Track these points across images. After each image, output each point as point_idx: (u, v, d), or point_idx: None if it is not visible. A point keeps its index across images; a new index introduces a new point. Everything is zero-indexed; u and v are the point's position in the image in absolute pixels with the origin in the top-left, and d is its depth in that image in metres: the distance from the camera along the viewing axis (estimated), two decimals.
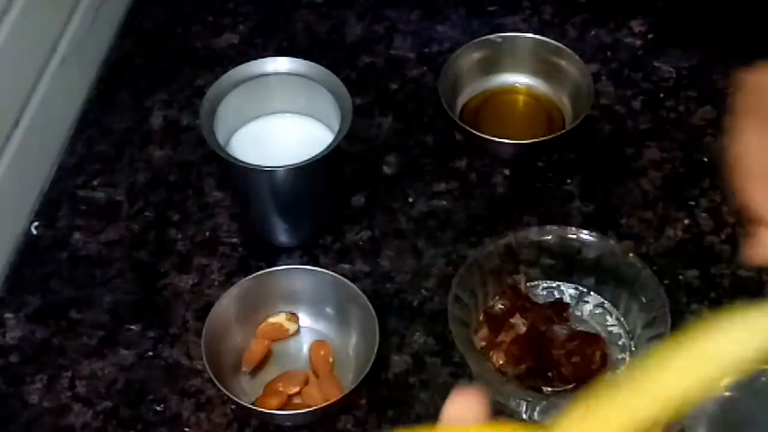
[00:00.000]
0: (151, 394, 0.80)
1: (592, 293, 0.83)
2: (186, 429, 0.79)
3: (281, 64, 0.85)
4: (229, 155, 0.81)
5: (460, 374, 0.80)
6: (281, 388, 0.79)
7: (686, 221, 0.88)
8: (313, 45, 1.03)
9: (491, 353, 0.79)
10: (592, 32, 1.03)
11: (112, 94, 1.00)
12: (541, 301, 0.83)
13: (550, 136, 0.92)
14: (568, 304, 0.82)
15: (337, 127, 0.82)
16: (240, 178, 0.84)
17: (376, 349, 0.76)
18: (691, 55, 1.00)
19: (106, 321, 0.85)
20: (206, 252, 0.88)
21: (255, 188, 0.84)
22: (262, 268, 0.83)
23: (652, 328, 0.77)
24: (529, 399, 0.76)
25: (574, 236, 0.81)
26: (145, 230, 0.90)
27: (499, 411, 0.78)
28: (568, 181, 0.92)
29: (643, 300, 0.78)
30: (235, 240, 0.89)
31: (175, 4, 1.07)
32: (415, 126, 0.96)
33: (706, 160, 0.92)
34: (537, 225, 0.85)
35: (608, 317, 0.82)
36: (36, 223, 0.91)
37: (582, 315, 0.83)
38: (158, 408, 0.80)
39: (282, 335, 0.83)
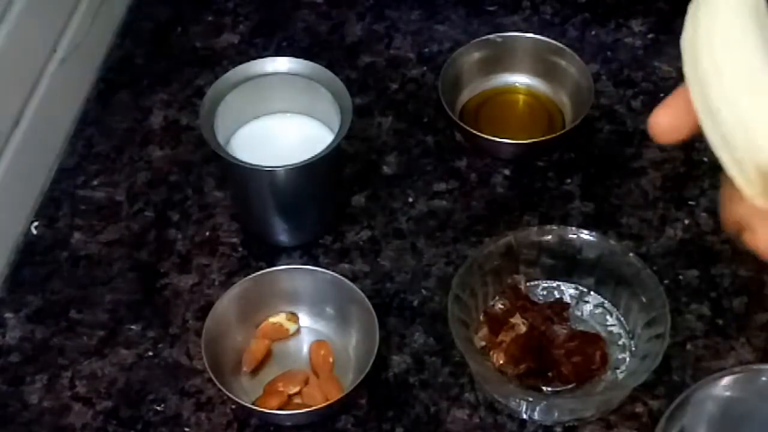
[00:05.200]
0: (151, 394, 0.80)
1: (592, 293, 0.83)
2: (186, 429, 0.79)
3: (281, 63, 0.85)
4: (229, 155, 0.81)
5: (460, 374, 0.80)
6: (281, 388, 0.79)
7: (686, 221, 0.89)
8: (313, 45, 1.03)
9: (491, 353, 0.79)
10: (593, 32, 1.03)
11: (112, 93, 1.00)
12: (541, 300, 0.83)
13: (550, 136, 0.92)
14: (568, 303, 0.82)
15: (337, 127, 0.82)
16: (240, 178, 0.84)
17: (376, 349, 0.76)
18: None
19: (106, 321, 0.85)
20: (206, 252, 0.88)
21: (255, 188, 0.84)
22: (262, 268, 0.84)
23: (652, 328, 0.77)
24: (530, 399, 0.76)
25: (575, 236, 0.81)
26: (145, 230, 0.90)
27: (499, 410, 0.78)
28: (568, 181, 0.92)
29: (643, 300, 0.78)
30: (235, 240, 0.89)
31: (175, 3, 1.07)
32: (415, 126, 0.96)
33: (706, 160, 0.92)
34: (537, 225, 0.86)
35: (608, 317, 0.82)
36: (36, 223, 0.91)
37: (582, 315, 0.83)
38: (158, 408, 0.80)
39: (282, 335, 0.83)
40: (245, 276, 0.82)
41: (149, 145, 0.96)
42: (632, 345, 0.80)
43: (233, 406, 0.79)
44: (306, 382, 0.79)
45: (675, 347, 0.80)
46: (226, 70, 0.85)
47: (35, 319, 0.85)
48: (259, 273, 0.82)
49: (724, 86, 0.42)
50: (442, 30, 1.04)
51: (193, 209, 0.91)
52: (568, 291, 0.84)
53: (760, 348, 0.81)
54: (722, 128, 0.42)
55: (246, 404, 0.76)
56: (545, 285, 0.84)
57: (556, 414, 0.77)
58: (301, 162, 0.79)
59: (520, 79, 0.99)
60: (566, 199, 0.91)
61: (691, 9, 0.45)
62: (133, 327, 0.84)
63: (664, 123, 0.45)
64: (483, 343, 0.80)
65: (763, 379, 0.75)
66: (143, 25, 1.06)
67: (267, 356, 0.82)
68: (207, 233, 0.90)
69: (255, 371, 0.81)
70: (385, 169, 0.93)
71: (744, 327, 0.82)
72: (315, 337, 0.83)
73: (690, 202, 0.90)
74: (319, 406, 0.76)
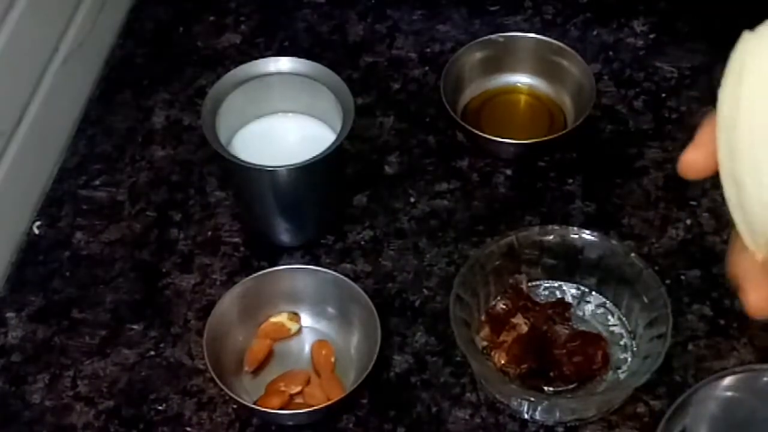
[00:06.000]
0: (153, 394, 0.80)
1: (593, 293, 0.83)
2: (188, 428, 0.79)
3: (283, 63, 0.85)
4: (231, 155, 0.81)
5: (462, 374, 0.80)
6: (283, 388, 0.79)
7: (688, 221, 0.88)
8: (314, 45, 1.03)
9: (493, 353, 0.79)
10: (594, 32, 1.03)
11: (114, 93, 1.01)
12: (542, 300, 0.83)
13: (551, 136, 0.92)
14: (569, 303, 0.82)
15: (338, 127, 0.82)
16: (242, 177, 0.84)
17: (377, 349, 0.76)
18: (692, 55, 1.00)
19: (108, 320, 0.85)
20: (208, 252, 0.88)
21: (257, 188, 0.84)
22: (263, 268, 0.84)
23: (654, 328, 0.77)
24: (531, 399, 0.76)
25: (576, 236, 0.81)
26: (146, 230, 0.90)
27: (500, 410, 0.78)
28: (570, 181, 0.92)
29: (645, 300, 0.78)
30: (236, 240, 0.89)
31: (177, 3, 1.08)
32: (416, 126, 0.96)
33: None
34: (539, 225, 0.85)
35: (610, 317, 0.82)
36: (38, 223, 0.91)
37: (584, 315, 0.83)
38: (160, 407, 0.80)
39: (284, 335, 0.83)
40: (247, 276, 0.82)
41: (151, 145, 0.96)
42: (634, 345, 0.80)
43: (235, 406, 0.79)
44: (307, 382, 0.79)
45: (676, 347, 0.80)
46: (228, 70, 0.85)
47: (37, 318, 0.85)
48: (260, 273, 0.82)
49: (756, 159, 0.40)
50: (443, 30, 1.04)
51: (194, 209, 0.91)
52: (569, 291, 0.84)
53: (761, 348, 0.81)
54: (743, 201, 0.41)
55: (247, 404, 0.76)
56: (547, 285, 0.84)
57: (557, 414, 0.77)
58: (303, 162, 0.79)
59: (521, 79, 0.99)
60: (568, 199, 0.91)
61: (736, 60, 0.42)
62: (134, 327, 0.84)
63: (695, 164, 0.45)
64: (484, 343, 0.80)
65: (765, 379, 0.75)
66: (145, 24, 1.06)
67: (268, 356, 0.82)
68: (209, 233, 0.90)
69: (256, 371, 0.81)
70: (387, 169, 0.93)
71: (745, 327, 0.82)
72: (316, 336, 0.83)
73: (692, 203, 0.90)
74: (321, 405, 0.76)
